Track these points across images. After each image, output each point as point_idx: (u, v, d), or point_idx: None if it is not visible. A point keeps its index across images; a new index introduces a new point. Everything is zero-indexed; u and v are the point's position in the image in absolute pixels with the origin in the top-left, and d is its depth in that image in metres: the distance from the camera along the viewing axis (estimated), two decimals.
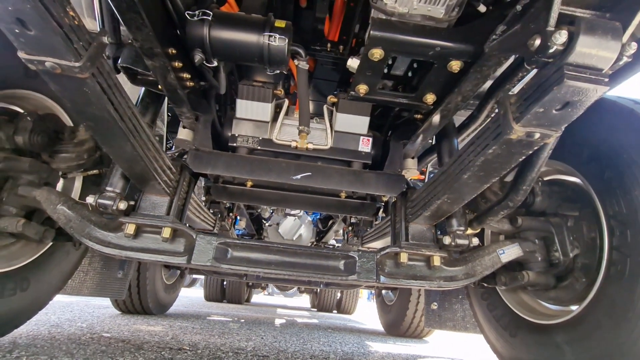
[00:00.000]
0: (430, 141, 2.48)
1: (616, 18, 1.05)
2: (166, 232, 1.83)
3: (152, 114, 2.10)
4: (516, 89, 1.68)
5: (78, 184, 2.38)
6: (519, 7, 1.11)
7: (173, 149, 3.33)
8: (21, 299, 2.05)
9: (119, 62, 1.79)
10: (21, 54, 1.04)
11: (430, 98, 1.70)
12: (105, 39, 1.16)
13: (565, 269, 2.01)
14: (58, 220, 1.83)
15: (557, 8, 0.98)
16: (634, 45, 0.99)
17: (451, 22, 1.45)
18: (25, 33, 0.97)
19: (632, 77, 1.22)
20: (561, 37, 0.99)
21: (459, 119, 2.35)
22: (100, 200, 1.79)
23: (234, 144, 2.08)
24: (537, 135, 1.19)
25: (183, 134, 2.21)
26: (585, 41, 0.98)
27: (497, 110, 1.31)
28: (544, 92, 1.06)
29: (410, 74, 1.81)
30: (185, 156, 2.38)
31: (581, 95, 1.04)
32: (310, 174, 1.96)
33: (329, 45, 2.27)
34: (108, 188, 1.83)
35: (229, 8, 2.03)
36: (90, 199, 1.81)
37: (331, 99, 2.30)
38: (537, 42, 1.04)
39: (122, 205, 1.81)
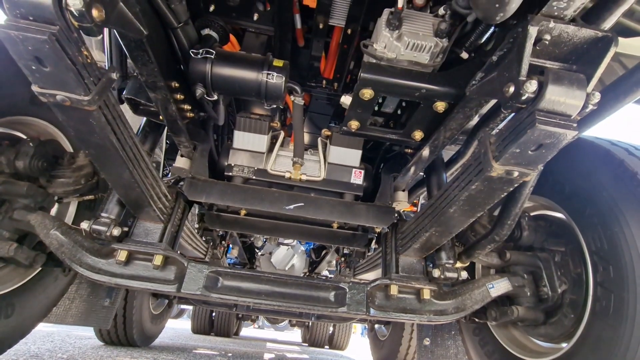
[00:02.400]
0: (422, 174, 2.56)
1: (581, 70, 1.17)
2: (157, 260, 1.84)
3: (151, 142, 2.17)
4: (498, 130, 1.78)
5: (72, 209, 2.40)
6: (494, 58, 1.23)
7: (169, 176, 3.38)
8: (4, 325, 2.01)
9: (123, 93, 1.88)
10: (35, 88, 1.11)
11: (418, 135, 1.80)
12: (114, 75, 1.25)
13: (554, 304, 2.02)
14: (50, 245, 1.84)
15: (527, 60, 1.09)
16: (598, 95, 1.09)
17: (436, 67, 1.57)
18: (41, 69, 1.05)
19: (600, 122, 1.32)
20: (531, 86, 1.08)
21: (448, 153, 2.45)
22: (94, 226, 1.82)
23: (230, 173, 2.14)
24: (515, 174, 1.27)
25: (180, 162, 2.27)
26: (554, 90, 1.08)
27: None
28: (520, 134, 1.15)
29: (399, 111, 1.91)
30: (181, 183, 2.43)
31: (553, 138, 1.12)
32: (302, 204, 2.01)
33: (324, 82, 2.40)
34: (103, 214, 1.85)
35: (231, 47, 2.17)
36: (84, 225, 1.83)
37: (325, 132, 2.40)
38: (511, 89, 1.14)
39: (116, 232, 1.84)
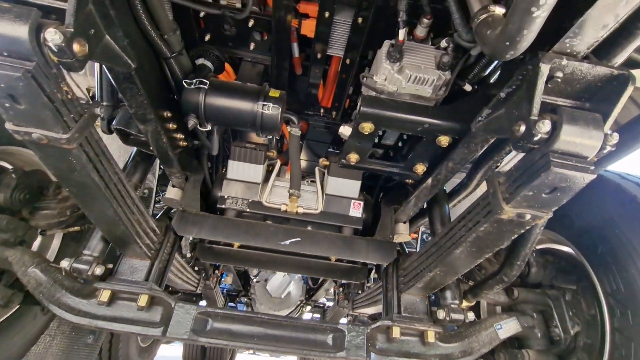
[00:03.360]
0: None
1: (595, 108, 1.10)
2: (143, 300, 1.71)
3: (141, 173, 2.08)
4: (506, 163, 1.70)
5: (57, 242, 2.27)
6: (502, 94, 1.16)
7: (161, 203, 3.27)
8: None
9: (113, 123, 1.81)
10: (8, 125, 1.03)
11: (420, 168, 1.72)
12: (98, 110, 1.17)
13: (567, 348, 1.89)
14: (27, 284, 1.71)
15: (539, 99, 1.02)
16: (616, 135, 1.02)
17: (438, 100, 1.51)
18: (15, 107, 0.97)
19: (616, 162, 1.25)
20: (545, 126, 1.01)
21: (451, 182, 2.37)
22: (75, 265, 1.69)
23: (223, 206, 2.04)
24: (528, 217, 1.18)
25: (172, 192, 2.17)
26: (569, 130, 1.01)
27: (487, 188, 1.31)
28: (533, 177, 1.06)
29: (400, 143, 1.84)
30: (173, 210, 2.32)
31: (569, 182, 1.04)
32: (299, 239, 1.90)
33: (322, 110, 2.35)
34: (86, 251, 1.74)
35: (227, 76, 2.12)
36: (64, 263, 1.71)
37: (323, 161, 2.32)
38: (522, 128, 1.07)
39: (99, 270, 1.71)
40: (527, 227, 1.25)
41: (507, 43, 0.91)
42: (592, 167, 1.03)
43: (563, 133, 1.00)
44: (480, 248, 1.41)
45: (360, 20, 1.65)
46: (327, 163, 2.24)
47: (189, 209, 1.98)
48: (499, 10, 1.06)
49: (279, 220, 2.09)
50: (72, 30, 0.93)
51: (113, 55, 1.14)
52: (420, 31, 1.49)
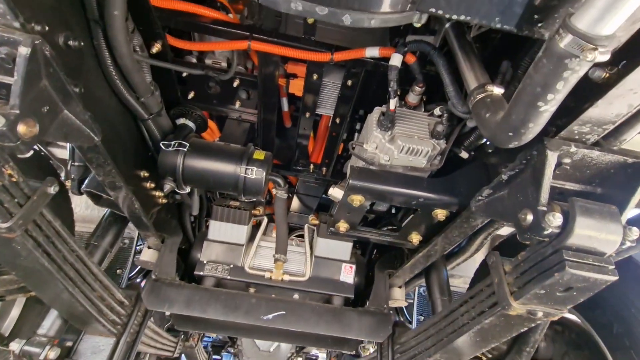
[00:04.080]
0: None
1: (609, 194, 0.99)
2: None
3: (114, 234, 1.92)
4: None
5: (16, 311, 2.05)
6: (504, 177, 1.05)
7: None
8: None
9: (82, 186, 1.67)
10: None
11: (415, 238, 1.58)
12: (51, 189, 1.03)
13: None
14: None
15: (547, 188, 0.90)
16: (636, 231, 0.90)
17: (434, 169, 1.40)
18: None
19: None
20: (555, 220, 0.89)
21: None
22: (26, 348, 1.48)
23: (201, 273, 1.86)
24: (540, 314, 1.03)
25: (147, 255, 2.00)
26: (583, 224, 0.88)
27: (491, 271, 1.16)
28: (545, 275, 0.93)
29: (394, 210, 1.72)
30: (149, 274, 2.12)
31: (587, 283, 0.90)
32: (283, 312, 1.71)
33: (311, 166, 2.24)
34: (40, 331, 1.53)
35: (211, 133, 2.02)
36: (14, 346, 1.50)
37: (312, 220, 2.18)
38: (529, 218, 0.94)
39: (53, 354, 1.50)
40: (539, 322, 1.10)
41: (510, 134, 0.80)
42: (613, 267, 0.90)
43: (577, 227, 0.88)
44: (486, 339, 1.24)
45: (349, 82, 1.59)
46: (317, 222, 2.10)
47: (162, 276, 1.80)
48: (498, 91, 0.97)
49: (263, 288, 1.90)
50: (18, 112, 0.81)
51: (72, 130, 1.03)
52: (413, 98, 1.41)
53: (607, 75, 0.80)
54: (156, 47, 1.46)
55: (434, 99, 1.53)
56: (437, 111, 1.36)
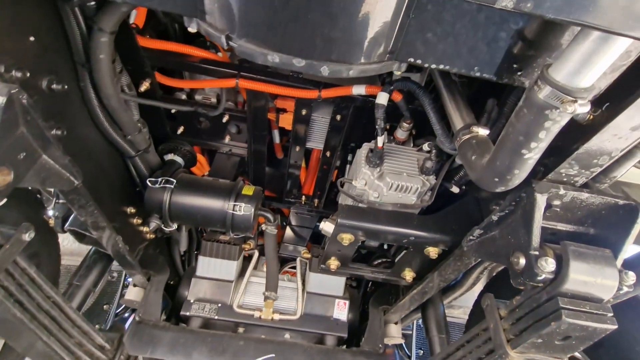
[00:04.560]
0: None
1: (602, 235, 0.96)
2: None
3: (98, 272, 1.85)
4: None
5: None
6: (494, 217, 1.03)
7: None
8: None
9: (66, 225, 1.62)
10: None
11: (409, 275, 1.53)
12: (26, 236, 0.99)
13: None
14: None
15: (537, 232, 0.88)
16: (632, 275, 0.86)
17: (424, 205, 1.37)
18: None
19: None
20: (548, 265, 0.85)
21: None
22: None
23: (187, 313, 1.78)
24: None
25: (132, 293, 1.92)
26: (577, 269, 0.85)
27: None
28: (542, 324, 0.88)
29: (386, 246, 1.68)
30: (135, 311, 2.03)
31: (585, 332, 0.86)
32: (273, 355, 1.63)
33: (303, 198, 2.22)
34: None
35: (200, 167, 2.01)
36: None
37: (304, 254, 2.13)
38: (522, 262, 0.91)
39: None
40: None
41: (496, 179, 0.78)
42: (611, 315, 0.86)
43: (572, 272, 0.85)
44: None
45: (338, 117, 1.59)
46: (309, 256, 2.04)
47: (147, 317, 1.72)
48: (483, 132, 0.97)
49: (253, 328, 1.82)
50: None
51: (50, 175, 1.00)
52: (401, 134, 1.41)
53: (591, 117, 0.80)
54: (145, 86, 1.47)
55: (423, 134, 1.53)
56: (425, 147, 1.36)
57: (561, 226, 0.98)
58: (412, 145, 1.46)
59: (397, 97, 1.29)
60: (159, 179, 1.56)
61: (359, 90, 1.33)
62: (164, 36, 1.63)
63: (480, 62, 0.71)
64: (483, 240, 1.10)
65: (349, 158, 1.95)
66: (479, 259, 1.30)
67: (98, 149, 1.38)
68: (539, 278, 0.87)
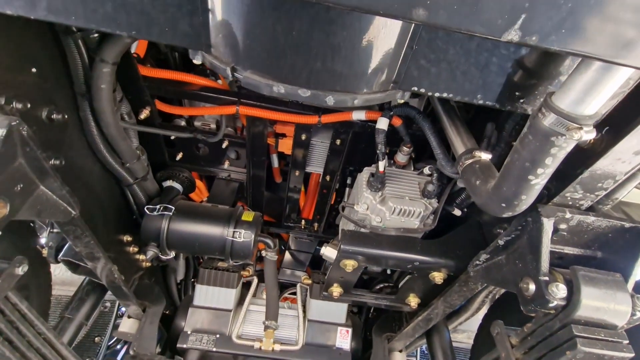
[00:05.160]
0: None
1: (610, 259, 0.95)
2: None
3: (91, 304, 1.79)
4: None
5: None
6: (500, 242, 1.01)
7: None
8: None
9: (60, 255, 1.58)
10: None
11: (413, 301, 1.49)
12: (19, 270, 0.96)
13: None
14: None
15: (546, 257, 0.86)
16: None
17: (427, 229, 1.36)
18: None
19: None
20: (559, 291, 0.84)
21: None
22: None
23: (184, 345, 1.71)
24: None
25: (127, 325, 1.85)
26: (589, 295, 0.83)
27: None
28: (556, 354, 0.85)
29: (389, 271, 1.65)
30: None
31: None
32: None
33: (303, 222, 2.19)
34: None
35: (199, 193, 1.99)
36: None
37: (305, 279, 2.08)
38: (531, 288, 0.89)
39: None
40: None
41: (503, 205, 0.78)
42: (627, 342, 0.83)
43: (584, 298, 0.83)
44: None
45: (338, 141, 1.60)
46: (310, 282, 2.00)
47: (141, 352, 1.65)
48: (485, 157, 0.97)
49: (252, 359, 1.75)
50: None
51: (47, 206, 0.98)
52: (401, 158, 1.41)
53: (592, 141, 0.80)
54: (144, 114, 1.47)
55: (422, 157, 1.54)
56: (426, 170, 1.36)
57: (568, 250, 0.97)
58: (412, 168, 1.46)
59: (397, 122, 1.31)
60: (157, 206, 1.54)
61: (358, 115, 1.34)
62: (164, 65, 1.66)
63: (483, 91, 0.72)
64: (489, 266, 1.08)
65: (348, 181, 1.95)
66: (485, 285, 1.28)
67: (96, 178, 1.36)
68: (551, 305, 0.85)
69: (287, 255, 2.66)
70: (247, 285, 2.07)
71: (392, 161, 1.47)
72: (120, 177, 1.45)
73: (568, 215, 0.87)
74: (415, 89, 0.71)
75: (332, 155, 1.67)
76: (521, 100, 0.74)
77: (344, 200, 1.38)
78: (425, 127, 1.18)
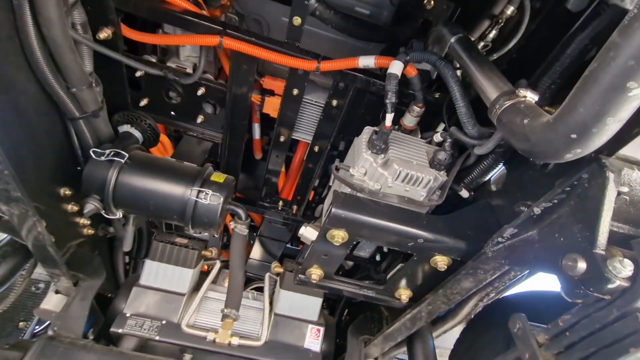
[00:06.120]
0: None
1: None
2: None
3: (7, 270, 1.43)
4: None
5: None
6: (537, 210, 0.81)
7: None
8: None
9: None
10: None
11: (404, 294, 1.26)
12: None
13: None
14: None
15: (606, 224, 0.66)
16: None
17: (431, 207, 1.15)
18: None
19: None
20: (625, 268, 0.63)
21: None
22: None
23: (119, 330, 1.38)
24: None
25: (51, 302, 1.49)
26: None
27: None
28: (612, 352, 0.64)
29: (379, 257, 1.42)
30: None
31: None
32: None
33: (281, 203, 1.93)
34: None
35: (162, 150, 1.70)
36: None
37: (275, 267, 1.81)
38: (581, 265, 0.69)
39: None
40: None
41: (573, 136, 0.57)
42: None
43: None
44: None
45: (335, 102, 1.38)
46: (281, 270, 1.73)
47: (64, 333, 1.31)
48: (532, 97, 0.77)
49: (203, 355, 1.44)
50: None
51: None
52: (410, 121, 1.21)
53: None
54: (105, 33, 1.20)
55: (428, 129, 1.35)
56: (437, 137, 1.16)
57: (617, 227, 0.78)
58: (419, 136, 1.26)
59: (411, 71, 1.10)
60: (107, 151, 1.24)
61: (366, 61, 1.13)
62: None
63: None
64: (516, 243, 0.87)
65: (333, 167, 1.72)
66: (496, 275, 1.07)
67: (30, 102, 1.06)
68: (611, 286, 0.64)
69: (257, 246, 2.38)
70: (206, 275, 1.77)
71: (397, 126, 1.26)
72: (63, 106, 1.16)
73: (635, 174, 0.68)
74: None
75: (325, 119, 1.45)
76: None
77: (337, 164, 1.14)
78: (448, 75, 0.98)
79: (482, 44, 1.22)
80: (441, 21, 1.24)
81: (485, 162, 1.15)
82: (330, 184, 1.60)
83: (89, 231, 1.50)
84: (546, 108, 0.77)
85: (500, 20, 1.17)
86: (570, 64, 0.90)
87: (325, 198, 1.91)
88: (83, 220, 1.44)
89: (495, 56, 1.20)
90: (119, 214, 1.32)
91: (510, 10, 1.13)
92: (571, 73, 0.92)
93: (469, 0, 1.30)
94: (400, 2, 1.37)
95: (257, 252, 2.39)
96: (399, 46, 1.47)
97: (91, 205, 1.24)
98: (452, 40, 1.06)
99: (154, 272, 1.56)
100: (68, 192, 1.34)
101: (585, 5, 0.90)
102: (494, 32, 1.20)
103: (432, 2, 1.29)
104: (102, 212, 1.29)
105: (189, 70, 1.46)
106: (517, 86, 0.93)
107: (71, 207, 1.37)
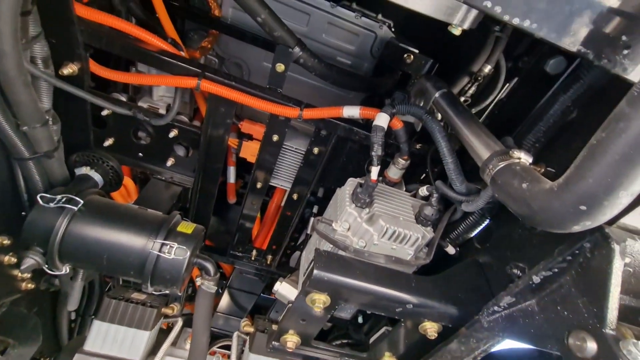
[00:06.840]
0: None
1: None
2: None
3: None
4: None
5: None
6: (536, 279, 0.75)
7: None
8: None
9: None
10: None
11: None
12: None
13: None
14: None
15: (616, 299, 0.61)
16: None
17: (418, 266, 1.07)
18: None
19: None
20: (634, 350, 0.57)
21: None
22: None
23: None
24: None
25: None
26: None
27: None
28: None
29: (361, 319, 1.30)
30: None
31: None
32: None
33: (254, 252, 1.79)
34: None
35: (125, 194, 1.55)
36: None
37: (245, 326, 1.63)
38: (590, 346, 0.62)
39: None
40: None
41: (583, 207, 0.53)
42: None
43: None
44: None
45: (316, 150, 1.32)
46: (251, 330, 1.56)
47: None
48: (526, 159, 0.74)
49: None
50: None
51: None
52: (395, 173, 1.16)
53: None
54: (70, 69, 1.10)
55: (412, 180, 1.31)
56: (423, 191, 1.11)
57: (621, 298, 0.73)
58: (404, 189, 1.21)
59: (397, 124, 1.08)
60: (58, 197, 1.09)
61: (351, 112, 1.10)
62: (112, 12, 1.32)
63: (576, 32, 0.51)
64: (513, 313, 0.80)
65: (312, 211, 1.64)
66: (489, 344, 0.98)
67: None
68: None
69: (225, 297, 2.18)
70: (166, 332, 1.56)
71: (381, 178, 1.21)
72: (9, 146, 1.02)
73: (638, 245, 0.64)
74: (488, 5, 0.48)
75: (305, 167, 1.38)
76: (625, 52, 0.54)
77: (315, 217, 1.06)
78: (435, 130, 0.95)
79: (462, 98, 1.23)
80: (423, 75, 1.25)
81: (471, 218, 1.11)
82: (309, 232, 1.50)
83: (29, 285, 1.30)
84: (532, 167, 0.75)
85: (479, 77, 1.19)
86: (553, 124, 0.90)
87: (301, 245, 1.79)
88: (23, 275, 1.24)
89: (473, 111, 1.21)
90: (65, 269, 1.14)
91: (487, 69, 1.16)
92: (554, 133, 0.92)
93: (447, 58, 1.33)
94: (381, 54, 1.39)
95: (225, 304, 2.18)
96: (379, 96, 1.48)
97: (31, 260, 1.06)
98: (437, 95, 1.05)
99: (102, 334, 1.35)
100: (6, 241, 1.16)
101: (563, 69, 0.92)
102: (473, 88, 1.23)
103: (412, 56, 1.32)
104: (45, 267, 1.11)
105: (162, 111, 1.38)
106: (504, 143, 0.91)
107: (8, 259, 1.19)
